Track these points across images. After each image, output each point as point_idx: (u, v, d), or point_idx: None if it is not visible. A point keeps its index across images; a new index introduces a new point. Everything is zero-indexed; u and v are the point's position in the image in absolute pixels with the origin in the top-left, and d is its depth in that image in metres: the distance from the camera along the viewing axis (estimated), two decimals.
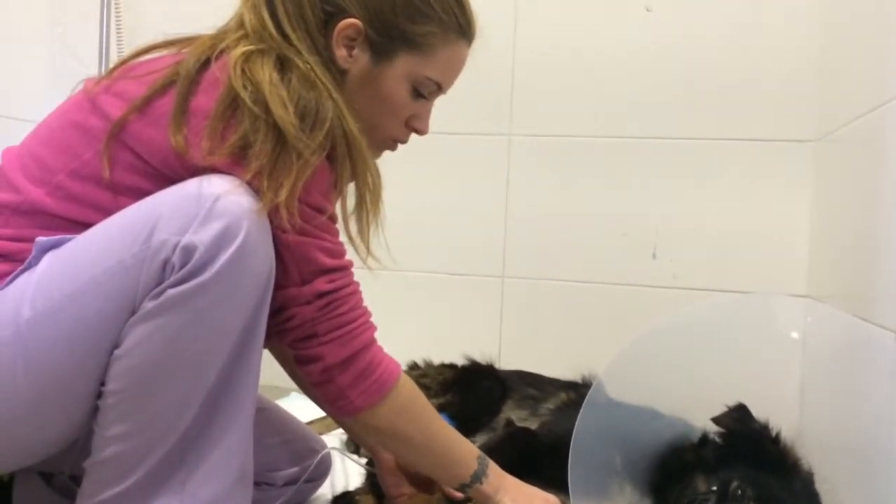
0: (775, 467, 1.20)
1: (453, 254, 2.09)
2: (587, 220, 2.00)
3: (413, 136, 1.19)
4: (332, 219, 1.01)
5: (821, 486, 1.23)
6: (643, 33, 1.96)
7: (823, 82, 1.83)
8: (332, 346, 0.99)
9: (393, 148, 1.18)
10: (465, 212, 2.08)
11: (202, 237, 0.88)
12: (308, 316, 0.98)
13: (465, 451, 1.12)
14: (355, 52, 1.07)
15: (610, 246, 1.99)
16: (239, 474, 0.96)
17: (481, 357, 1.67)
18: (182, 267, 0.87)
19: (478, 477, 1.10)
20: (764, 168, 1.89)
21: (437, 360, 1.75)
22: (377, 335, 1.05)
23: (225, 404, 0.94)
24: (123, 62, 1.04)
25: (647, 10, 1.97)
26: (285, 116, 0.93)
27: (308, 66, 1.00)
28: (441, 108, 1.93)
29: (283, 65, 0.98)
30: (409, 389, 1.07)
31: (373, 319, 1.05)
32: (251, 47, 0.98)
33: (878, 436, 1.25)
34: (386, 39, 1.07)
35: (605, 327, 1.96)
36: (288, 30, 1.03)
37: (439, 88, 1.14)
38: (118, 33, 2.18)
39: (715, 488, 1.17)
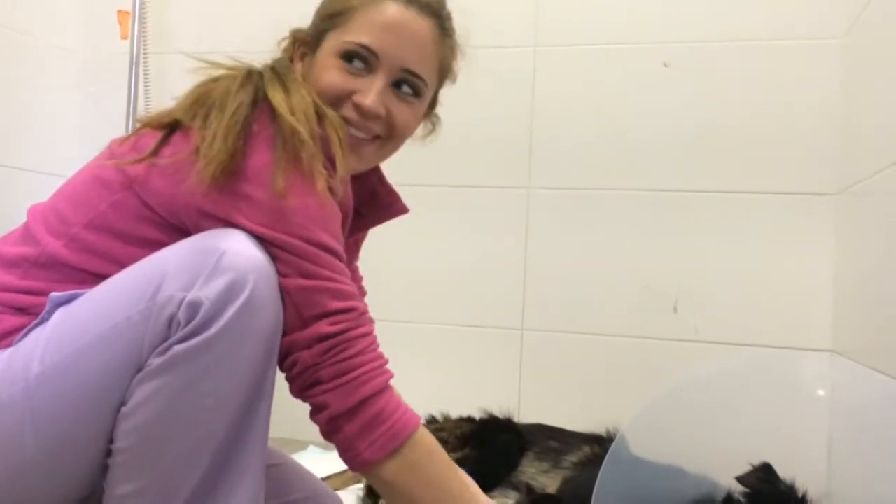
0: None
1: (473, 306, 2.08)
2: (607, 274, 1.99)
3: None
4: (339, 256, 0.97)
5: None
6: (662, 87, 1.98)
7: (845, 135, 1.82)
8: (338, 394, 0.94)
9: (354, 142, 1.11)
10: (485, 264, 2.08)
11: (208, 293, 0.87)
12: (309, 361, 0.94)
13: None
14: (306, 57, 1.11)
15: (631, 299, 1.97)
16: None
17: (499, 411, 1.65)
18: (188, 323, 0.87)
19: None
20: (786, 221, 1.88)
21: (455, 414, 1.73)
22: (393, 383, 0.99)
23: (235, 459, 0.93)
24: (148, 121, 1.06)
25: (665, 66, 1.99)
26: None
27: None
28: (461, 161, 1.97)
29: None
30: (426, 446, 0.99)
31: (389, 366, 0.99)
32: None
33: None
34: (318, 29, 1.10)
35: (626, 381, 1.93)
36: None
37: (374, 55, 1.07)
38: (146, 93, 2.24)
39: None
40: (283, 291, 0.94)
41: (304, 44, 1.12)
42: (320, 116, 1.01)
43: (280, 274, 0.93)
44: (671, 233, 1.95)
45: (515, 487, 1.42)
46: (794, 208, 1.87)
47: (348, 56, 1.07)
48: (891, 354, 1.36)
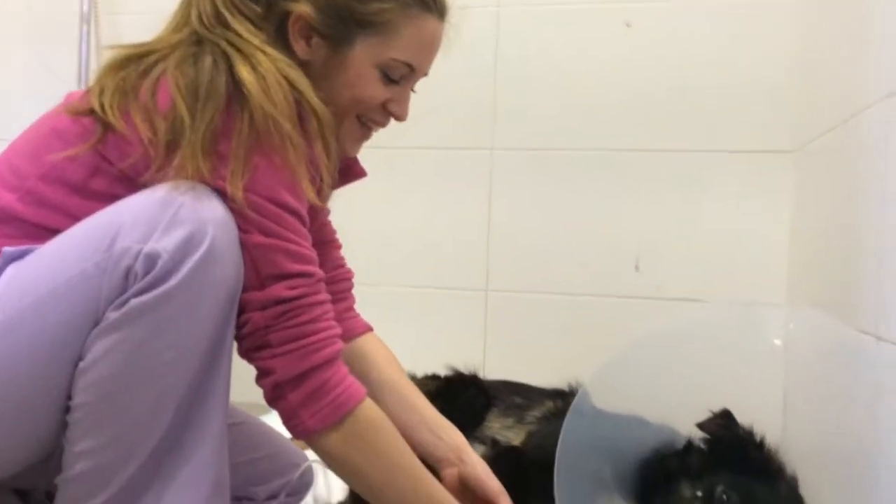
0: (760, 472, 1.20)
1: (436, 268, 2.09)
2: (570, 233, 2.01)
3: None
4: (302, 219, 0.96)
5: (805, 490, 1.23)
6: (623, 47, 1.98)
7: (801, 93, 1.85)
8: (285, 360, 0.93)
9: (367, 135, 1.13)
10: (448, 226, 2.08)
11: (166, 244, 0.86)
12: (261, 323, 0.93)
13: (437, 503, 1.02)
14: (313, 41, 1.05)
15: (593, 258, 2.00)
16: (215, 485, 0.94)
17: (465, 369, 1.66)
18: (145, 275, 0.86)
19: None
20: (745, 179, 1.91)
21: (421, 375, 1.74)
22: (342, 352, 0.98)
23: (197, 415, 0.93)
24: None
25: (627, 26, 1.99)
26: (259, 93, 0.91)
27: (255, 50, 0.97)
28: (424, 122, 1.95)
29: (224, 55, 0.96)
30: (371, 419, 0.99)
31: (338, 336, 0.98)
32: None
33: (860, 439, 1.25)
34: (339, 24, 1.03)
35: (589, 339, 1.95)
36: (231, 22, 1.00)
37: (412, 70, 1.08)
38: (98, 53, 2.18)
39: (700, 494, 1.17)
40: (242, 247, 0.92)
41: (314, 29, 1.05)
42: (304, 114, 0.97)
43: (240, 229, 0.92)
44: (632, 192, 1.97)
45: (481, 441, 1.43)
46: (752, 166, 1.90)
47: (389, 70, 1.06)
48: (843, 304, 1.39)
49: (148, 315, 0.86)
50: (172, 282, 0.86)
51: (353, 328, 1.24)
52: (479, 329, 2.06)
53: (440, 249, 2.08)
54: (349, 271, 1.28)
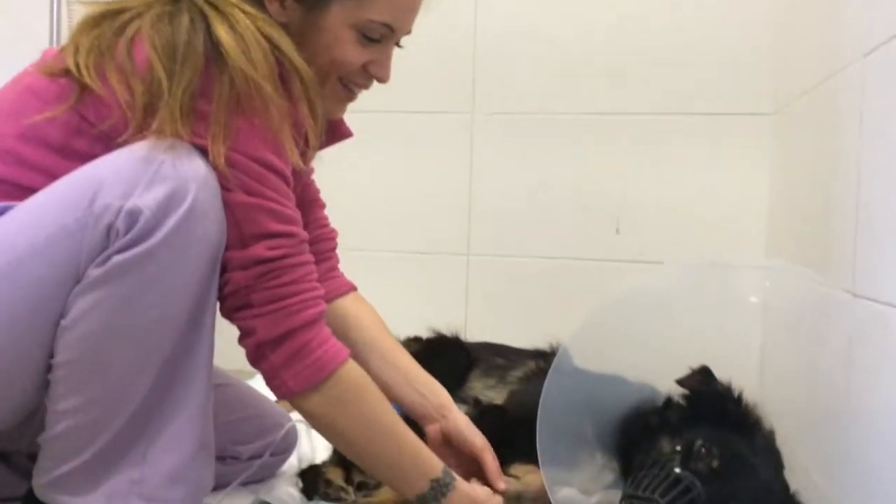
0: (738, 426, 1.21)
1: (418, 232, 2.09)
2: (551, 197, 2.02)
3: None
4: (286, 179, 0.95)
5: (781, 442, 1.25)
6: (603, 10, 1.98)
7: (780, 56, 1.86)
8: (267, 321, 0.93)
9: (352, 97, 1.11)
10: (429, 191, 2.08)
11: (147, 201, 0.85)
12: (242, 283, 0.92)
13: (417, 466, 1.02)
14: (287, 2, 1.02)
15: (574, 222, 2.01)
16: (200, 442, 0.95)
17: (447, 331, 1.67)
18: (127, 232, 0.85)
19: (425, 500, 1.01)
20: (725, 141, 1.93)
21: (403, 337, 1.74)
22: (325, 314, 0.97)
23: (182, 373, 0.93)
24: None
25: None
26: (238, 55, 0.89)
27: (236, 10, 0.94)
28: (403, 87, 1.93)
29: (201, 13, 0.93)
30: (353, 380, 0.99)
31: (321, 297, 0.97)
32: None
33: (835, 393, 1.28)
34: None
35: (570, 303, 1.96)
36: None
37: (392, 30, 1.05)
38: (70, 14, 2.13)
39: (679, 448, 1.18)
40: (225, 206, 0.92)
41: None
42: (287, 74, 0.95)
43: (223, 188, 0.91)
44: (613, 155, 1.98)
45: (464, 401, 1.44)
46: (732, 128, 1.91)
47: (367, 31, 1.03)
48: (819, 264, 1.41)
49: (130, 272, 0.86)
50: (154, 239, 0.85)
51: (337, 288, 1.25)
52: (460, 293, 2.07)
53: (422, 214, 2.09)
54: (333, 231, 1.28)
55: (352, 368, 0.99)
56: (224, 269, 0.94)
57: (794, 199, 1.71)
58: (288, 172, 0.96)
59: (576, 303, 1.98)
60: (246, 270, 0.92)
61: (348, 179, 2.02)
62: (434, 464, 1.03)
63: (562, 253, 2.01)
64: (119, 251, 0.85)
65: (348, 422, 0.99)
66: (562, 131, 2.00)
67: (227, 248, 0.93)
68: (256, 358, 0.95)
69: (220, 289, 0.95)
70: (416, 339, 1.63)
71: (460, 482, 1.04)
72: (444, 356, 1.55)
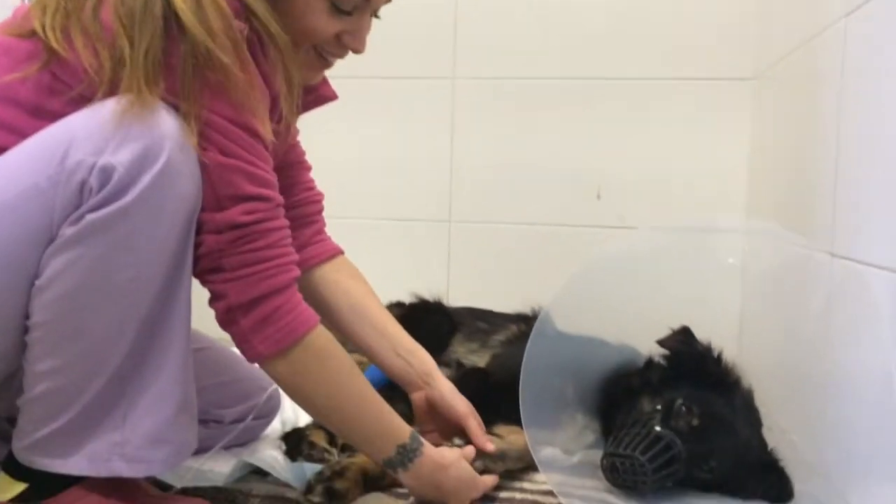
0: (717, 385, 1.23)
1: (399, 200, 2.08)
2: (532, 163, 2.01)
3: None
4: (263, 141, 0.93)
5: (759, 403, 1.27)
6: None
7: (760, 20, 1.85)
8: (238, 285, 0.92)
9: (327, 65, 1.08)
10: (410, 157, 2.07)
11: (121, 158, 0.83)
12: (215, 246, 0.91)
13: (384, 432, 1.02)
14: None
15: (555, 188, 2.00)
16: (181, 404, 0.94)
17: (430, 296, 1.67)
18: (100, 190, 0.83)
19: (392, 465, 1.02)
20: (705, 106, 1.92)
21: (385, 303, 1.74)
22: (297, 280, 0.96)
23: (160, 334, 0.92)
24: None
25: None
26: (195, 24, 0.86)
27: None
28: (383, 52, 1.91)
29: None
30: (321, 347, 0.98)
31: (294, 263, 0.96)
32: None
33: (813, 351, 1.30)
34: None
35: (552, 269, 1.95)
36: None
37: (366, 1, 1.01)
38: None
39: (660, 407, 1.20)
40: (200, 164, 0.90)
41: None
42: (262, 40, 0.93)
43: (199, 147, 0.89)
44: (594, 121, 1.97)
45: (446, 365, 1.45)
46: (712, 93, 1.91)
47: (337, 2, 0.99)
48: (799, 226, 1.42)
49: (105, 231, 0.84)
50: (129, 197, 0.84)
51: (324, 251, 1.24)
52: (442, 259, 2.06)
53: (403, 181, 2.07)
54: (319, 194, 1.26)
55: (320, 334, 0.98)
56: (198, 231, 0.92)
57: (774, 162, 1.72)
58: (265, 135, 0.94)
59: (557, 269, 1.96)
60: (220, 234, 0.91)
61: (328, 147, 2.00)
62: (401, 430, 1.03)
63: (543, 219, 2.01)
64: (92, 209, 0.84)
65: (315, 387, 0.99)
66: (543, 96, 1.99)
67: (201, 210, 0.91)
68: (226, 321, 0.94)
69: (193, 250, 0.93)
70: (399, 304, 1.63)
71: (428, 447, 1.04)
72: (427, 321, 1.55)
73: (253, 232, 0.92)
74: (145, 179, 0.84)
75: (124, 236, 0.85)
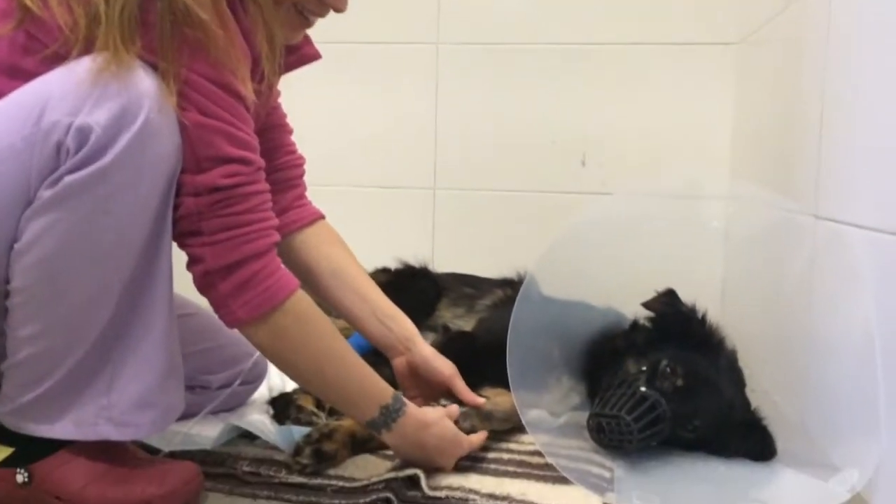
0: (702, 346, 1.24)
1: (383, 167, 2.07)
2: (516, 129, 2.00)
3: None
4: (244, 103, 0.92)
5: (743, 365, 1.28)
6: None
7: None
8: (216, 249, 0.90)
9: (308, 24, 1.06)
10: (394, 124, 2.05)
11: (98, 118, 0.82)
12: (194, 209, 0.89)
13: (366, 394, 1.01)
14: None
15: (540, 155, 2.00)
16: (167, 367, 0.94)
17: (415, 261, 1.67)
18: (78, 151, 0.82)
19: (376, 426, 1.01)
20: (689, 71, 1.92)
21: (371, 269, 1.74)
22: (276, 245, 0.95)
23: (143, 298, 0.91)
24: None
25: None
26: None
27: None
28: (366, 16, 1.90)
29: None
30: (301, 312, 0.96)
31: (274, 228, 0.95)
32: None
33: (795, 312, 1.31)
34: None
35: (537, 235, 1.96)
36: None
37: None
38: None
39: (645, 368, 1.21)
40: (180, 124, 0.88)
41: None
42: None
43: (178, 106, 0.88)
44: (578, 87, 1.97)
45: (433, 329, 1.45)
46: (696, 58, 1.91)
47: None
48: (783, 189, 1.43)
49: (84, 193, 0.83)
50: (107, 158, 0.82)
51: (305, 216, 1.23)
52: (427, 227, 2.06)
53: (386, 148, 2.06)
54: (301, 157, 1.25)
55: (301, 299, 0.96)
56: (176, 193, 0.91)
57: (759, 127, 1.72)
58: (247, 96, 0.92)
59: (542, 236, 1.96)
60: (199, 197, 0.89)
61: (311, 114, 1.97)
62: (383, 391, 1.02)
63: (528, 186, 2.01)
64: (70, 171, 0.82)
65: (297, 352, 0.98)
66: (527, 62, 1.98)
67: (181, 171, 0.90)
68: (204, 286, 0.93)
69: (172, 211, 0.92)
70: (385, 270, 1.62)
71: (411, 407, 1.04)
72: (413, 286, 1.55)
73: (233, 195, 0.90)
74: (123, 140, 0.83)
75: (103, 198, 0.84)
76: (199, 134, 0.88)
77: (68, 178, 0.82)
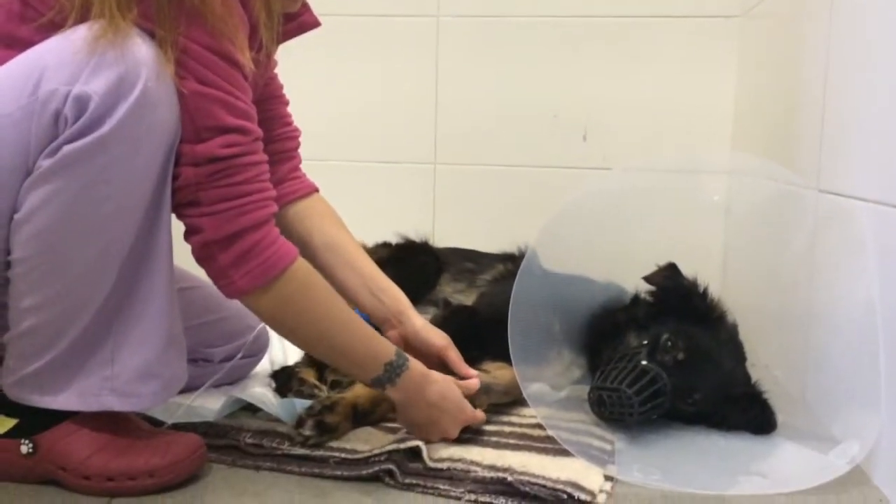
0: (703, 320, 1.24)
1: (383, 142, 2.06)
2: (517, 104, 1.99)
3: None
4: (242, 71, 0.91)
5: (743, 338, 1.28)
6: None
7: None
8: (215, 220, 0.89)
9: None
10: (394, 98, 2.04)
11: (95, 87, 0.81)
12: (192, 179, 0.89)
13: (370, 353, 1.01)
14: None
15: (541, 129, 1.99)
16: (169, 338, 0.94)
17: (416, 237, 1.67)
18: (76, 120, 0.81)
19: (381, 382, 1.01)
20: (690, 45, 1.91)
21: (371, 244, 1.73)
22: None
23: (144, 268, 0.91)
24: None
25: None
26: None
27: None
28: None
29: None
30: (302, 279, 0.96)
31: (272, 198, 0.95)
32: None
33: (796, 285, 1.31)
34: None
35: (538, 211, 1.94)
36: None
37: None
38: None
39: (646, 342, 1.21)
40: (178, 93, 0.87)
41: None
42: None
43: (176, 75, 0.87)
44: (580, 60, 1.95)
45: (434, 304, 1.45)
46: (698, 31, 1.90)
47: None
48: (783, 161, 1.43)
49: (83, 163, 0.83)
50: (106, 127, 0.82)
51: (299, 189, 1.22)
52: (427, 202, 2.05)
53: (386, 123, 2.05)
54: (296, 129, 1.24)
55: (300, 267, 0.96)
56: (175, 162, 0.90)
57: (761, 100, 1.71)
58: (245, 64, 0.91)
59: (543, 212, 1.98)
60: (198, 167, 0.89)
61: (310, 88, 1.96)
62: (387, 348, 1.02)
63: (529, 161, 2.00)
64: (69, 140, 0.82)
65: (300, 318, 0.98)
66: (529, 36, 1.96)
67: (179, 141, 0.89)
68: (203, 257, 0.93)
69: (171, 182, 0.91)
70: (386, 245, 1.62)
71: (414, 362, 1.04)
72: (414, 261, 1.55)
73: (232, 166, 0.90)
74: (122, 108, 0.82)
75: (103, 168, 0.83)
76: (198, 103, 0.88)
77: (67, 148, 0.82)
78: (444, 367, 1.19)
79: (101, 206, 0.85)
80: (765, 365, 1.42)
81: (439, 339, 1.20)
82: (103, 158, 0.83)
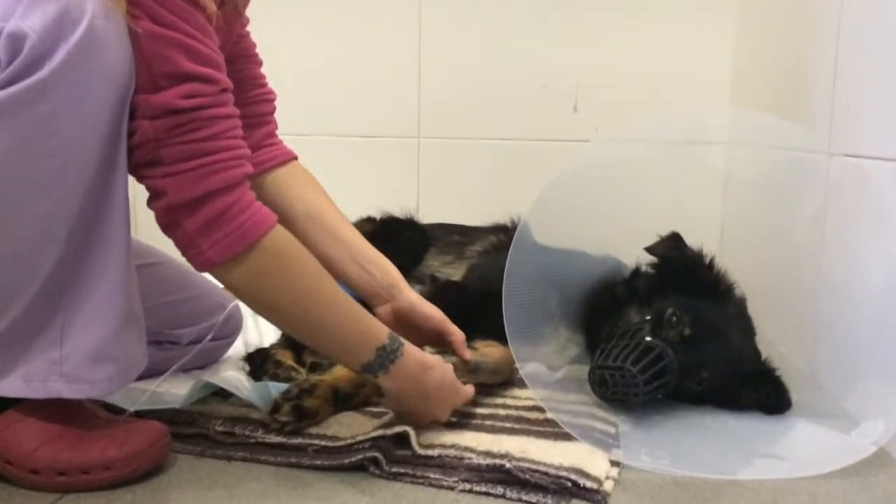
0: (709, 293, 1.17)
1: (364, 115, 1.97)
2: (505, 74, 1.90)
3: None
4: (205, 12, 0.81)
5: (752, 309, 1.21)
6: None
7: None
8: (178, 181, 0.79)
9: None
10: (376, 70, 1.95)
11: (32, 23, 0.72)
12: (150, 134, 0.79)
13: (360, 335, 0.90)
14: None
15: (530, 100, 1.91)
16: (125, 315, 0.84)
17: (400, 212, 1.58)
18: (11, 62, 0.72)
19: (372, 369, 0.90)
20: (685, 5, 1.82)
21: (356, 219, 1.65)
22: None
23: (96, 236, 0.81)
24: None
25: None
26: None
27: None
28: None
29: None
30: (281, 249, 0.86)
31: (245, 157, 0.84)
32: None
33: (806, 253, 1.24)
34: None
35: (527, 186, 1.86)
36: None
37: None
38: None
39: (649, 317, 1.13)
40: (131, 35, 0.77)
41: None
42: None
43: (128, 13, 0.77)
44: (569, 26, 1.87)
45: (419, 280, 1.37)
46: None
47: None
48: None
49: (20, 111, 0.73)
50: (45, 70, 0.72)
51: (276, 156, 1.11)
52: (411, 178, 1.96)
53: (369, 95, 1.95)
54: (272, 92, 1.13)
55: (279, 235, 0.86)
56: (131, 116, 0.80)
57: (762, 58, 1.63)
58: (206, 5, 0.81)
59: (532, 186, 1.89)
60: (155, 120, 0.79)
61: (288, 58, 1.86)
62: (378, 331, 0.91)
63: (517, 134, 1.92)
64: (4, 85, 0.72)
65: (278, 294, 0.86)
66: (515, 2, 1.88)
67: (134, 91, 0.79)
68: (168, 224, 0.82)
69: (127, 136, 0.81)
70: (370, 220, 1.53)
71: (409, 347, 0.93)
72: (400, 235, 1.46)
73: (194, 119, 0.80)
74: (64, 48, 0.72)
75: (45, 117, 0.74)
76: (153, 46, 0.78)
77: (2, 93, 0.72)
78: (437, 343, 1.10)
79: (46, 160, 0.75)
80: (769, 341, 1.34)
81: (439, 312, 1.10)
82: (44, 105, 0.73)
